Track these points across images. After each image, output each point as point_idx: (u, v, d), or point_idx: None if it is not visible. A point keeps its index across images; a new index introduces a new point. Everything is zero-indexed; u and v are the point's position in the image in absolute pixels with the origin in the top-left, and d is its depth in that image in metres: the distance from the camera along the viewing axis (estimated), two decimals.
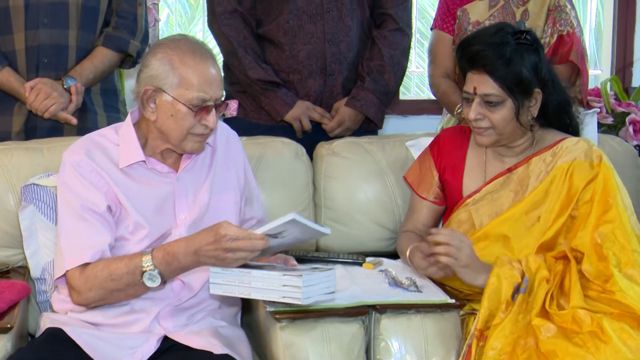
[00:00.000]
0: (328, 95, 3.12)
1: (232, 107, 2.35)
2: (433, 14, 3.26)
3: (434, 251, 2.34)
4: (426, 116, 4.06)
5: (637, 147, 3.74)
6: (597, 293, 2.31)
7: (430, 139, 2.73)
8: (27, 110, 2.90)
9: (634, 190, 2.95)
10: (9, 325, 2.23)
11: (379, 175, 2.85)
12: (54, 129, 2.91)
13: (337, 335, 2.28)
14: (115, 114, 3.05)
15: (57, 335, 2.21)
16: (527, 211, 2.45)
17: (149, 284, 2.18)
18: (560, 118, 2.54)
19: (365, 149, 2.90)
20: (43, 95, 2.84)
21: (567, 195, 2.43)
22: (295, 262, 2.35)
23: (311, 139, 3.05)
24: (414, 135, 2.97)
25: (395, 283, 2.44)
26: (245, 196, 2.49)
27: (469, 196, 2.55)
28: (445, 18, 3.15)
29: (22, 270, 2.60)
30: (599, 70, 4.58)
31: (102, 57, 2.97)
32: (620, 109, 3.90)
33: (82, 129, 2.81)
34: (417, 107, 4.19)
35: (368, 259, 2.68)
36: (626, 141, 3.37)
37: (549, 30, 3.08)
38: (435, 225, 2.65)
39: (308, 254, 2.69)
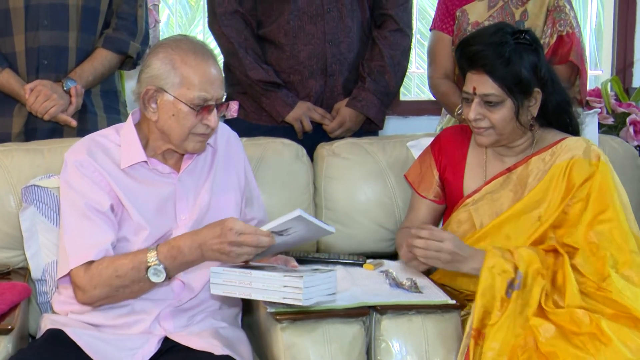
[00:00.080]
0: (329, 96, 3.12)
1: (233, 109, 2.35)
2: (433, 14, 3.26)
3: (412, 244, 2.34)
4: (426, 117, 4.06)
5: (638, 148, 3.74)
6: (593, 290, 2.31)
7: (431, 140, 2.73)
8: (27, 112, 2.90)
9: (635, 190, 2.95)
10: (9, 327, 2.23)
11: (380, 176, 2.85)
12: (54, 130, 2.91)
13: (338, 336, 2.28)
14: (115, 115, 3.05)
15: (57, 337, 2.21)
16: (526, 210, 2.45)
17: (153, 279, 2.18)
18: (560, 118, 2.54)
19: (366, 150, 2.90)
20: (43, 97, 2.84)
21: (565, 192, 2.43)
22: (295, 263, 2.35)
23: (312, 139, 3.05)
24: (414, 136, 2.97)
25: (395, 284, 2.44)
26: (245, 197, 2.49)
27: (469, 196, 2.55)
28: (445, 19, 3.15)
29: (23, 271, 2.60)
30: (599, 71, 4.58)
31: (102, 58, 2.97)
32: (620, 110, 3.90)
33: (82, 131, 2.81)
34: (418, 108, 4.19)
35: (369, 260, 2.67)
36: (627, 142, 3.37)
37: (549, 31, 3.08)
38: (435, 224, 2.65)
39: (309, 255, 2.69)
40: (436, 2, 3.26)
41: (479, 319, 2.26)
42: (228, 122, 2.58)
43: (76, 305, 2.32)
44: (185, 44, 2.28)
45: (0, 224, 2.60)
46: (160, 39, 3.66)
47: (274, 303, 2.20)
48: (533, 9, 3.08)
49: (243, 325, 2.51)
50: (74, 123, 2.88)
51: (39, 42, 2.90)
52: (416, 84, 4.81)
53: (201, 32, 4.47)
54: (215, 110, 2.27)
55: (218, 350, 2.20)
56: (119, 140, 2.35)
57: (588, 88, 4.21)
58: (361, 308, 2.32)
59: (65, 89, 2.88)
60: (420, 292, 2.40)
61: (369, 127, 3.19)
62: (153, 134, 2.33)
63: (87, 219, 2.25)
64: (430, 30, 3.22)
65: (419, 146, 2.83)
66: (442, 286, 2.46)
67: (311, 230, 2.22)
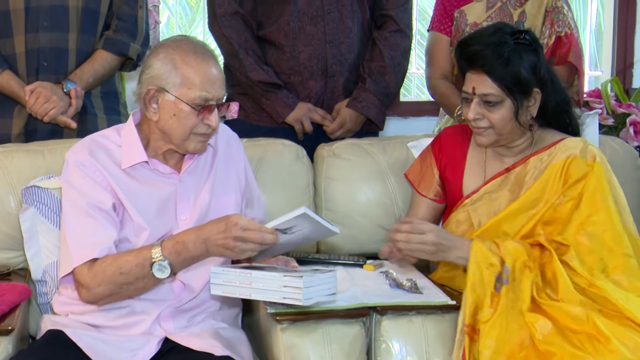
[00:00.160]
0: (329, 97, 3.12)
1: (233, 110, 2.35)
2: None
3: (394, 238, 2.35)
4: (426, 118, 4.06)
5: (638, 149, 3.74)
6: (585, 286, 2.30)
7: (431, 140, 2.74)
8: (27, 113, 2.90)
9: (635, 191, 2.95)
10: (10, 327, 2.23)
11: (380, 176, 2.85)
12: (54, 132, 2.91)
13: (338, 336, 2.28)
14: (116, 116, 3.05)
15: (58, 337, 2.21)
16: (523, 209, 2.44)
17: (158, 275, 2.18)
18: (559, 118, 2.54)
19: (366, 151, 2.90)
20: (43, 99, 2.84)
21: (562, 190, 2.43)
22: (296, 264, 2.36)
23: (312, 140, 3.05)
24: (415, 137, 2.97)
25: (396, 284, 2.44)
26: (246, 197, 2.49)
27: (468, 196, 2.56)
28: (442, 19, 3.15)
29: (23, 272, 2.60)
30: (599, 72, 4.59)
31: (102, 60, 2.98)
32: (620, 110, 3.90)
33: (83, 132, 2.80)
34: (418, 109, 4.20)
35: (369, 261, 2.68)
36: (627, 142, 3.36)
37: (547, 32, 3.09)
38: (435, 223, 2.65)
39: (309, 256, 2.70)
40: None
41: (471, 314, 2.26)
42: (228, 123, 2.58)
43: (76, 306, 2.33)
44: (186, 44, 2.28)
45: (0, 224, 2.60)
46: (160, 40, 3.66)
47: (274, 303, 2.20)
48: (531, 10, 3.09)
49: (243, 326, 2.51)
50: (73, 125, 2.88)
51: (39, 43, 2.90)
52: (416, 85, 4.81)
53: (201, 33, 4.47)
54: (216, 110, 2.27)
55: (218, 351, 2.20)
56: (120, 141, 2.35)
57: (588, 89, 4.24)
58: (361, 309, 2.32)
59: (65, 90, 2.88)
60: (420, 292, 2.40)
61: (369, 128, 3.19)
62: (154, 134, 2.33)
63: (90, 217, 2.25)
64: (428, 31, 3.22)
65: (419, 147, 2.83)
66: (442, 286, 2.46)
67: (316, 230, 2.22)
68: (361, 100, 3.10)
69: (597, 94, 3.97)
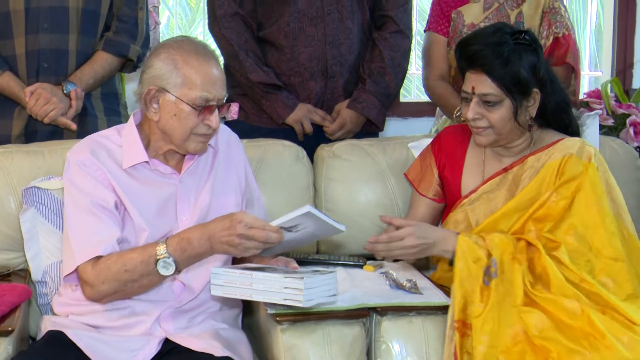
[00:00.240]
0: (329, 98, 3.12)
1: (233, 110, 2.35)
2: None
3: (374, 249, 2.36)
4: (426, 118, 4.06)
5: (638, 149, 3.74)
6: (577, 282, 2.30)
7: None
8: (27, 115, 2.90)
9: (634, 192, 2.96)
10: (10, 328, 2.23)
11: (380, 177, 2.85)
12: (54, 133, 2.91)
13: (338, 337, 2.28)
14: (116, 117, 3.05)
15: (58, 338, 2.21)
16: (519, 208, 2.44)
17: (163, 272, 2.18)
18: (559, 118, 2.54)
19: (366, 151, 2.90)
20: (43, 100, 2.84)
21: (555, 186, 2.44)
22: (296, 265, 2.35)
23: (312, 141, 3.05)
24: (415, 137, 2.97)
25: (396, 285, 2.44)
26: (246, 198, 2.49)
27: (466, 196, 2.56)
28: (439, 20, 3.16)
29: (23, 273, 2.60)
30: (599, 72, 4.59)
31: (102, 61, 2.98)
32: (620, 111, 3.90)
33: (83, 133, 2.80)
34: (418, 110, 4.20)
35: (369, 262, 2.68)
36: (627, 143, 3.36)
37: (545, 32, 3.09)
38: (434, 222, 2.66)
39: (309, 256, 2.70)
40: None
41: (460, 309, 2.26)
42: (228, 123, 2.59)
43: (76, 307, 2.33)
44: (187, 44, 2.29)
45: (0, 225, 2.61)
46: (160, 40, 3.66)
47: (275, 304, 2.20)
48: (528, 11, 3.10)
49: (243, 326, 2.51)
50: (73, 126, 2.88)
51: (39, 45, 2.90)
52: (416, 86, 4.81)
53: (201, 33, 4.47)
54: (216, 110, 2.27)
55: (218, 351, 2.20)
56: (120, 141, 2.35)
57: (588, 89, 4.25)
58: (361, 309, 2.32)
59: (65, 92, 2.88)
60: (420, 293, 2.40)
61: (369, 129, 3.19)
62: (154, 134, 2.33)
63: (93, 215, 2.25)
64: (425, 31, 3.23)
65: (419, 147, 2.83)
66: (442, 287, 2.46)
67: (321, 228, 2.23)
68: (361, 101, 3.10)
69: (597, 94, 3.96)
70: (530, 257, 2.34)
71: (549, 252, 2.33)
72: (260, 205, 2.57)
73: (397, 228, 2.35)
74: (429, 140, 2.75)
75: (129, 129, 2.36)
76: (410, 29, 3.21)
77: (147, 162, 2.33)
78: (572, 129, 2.57)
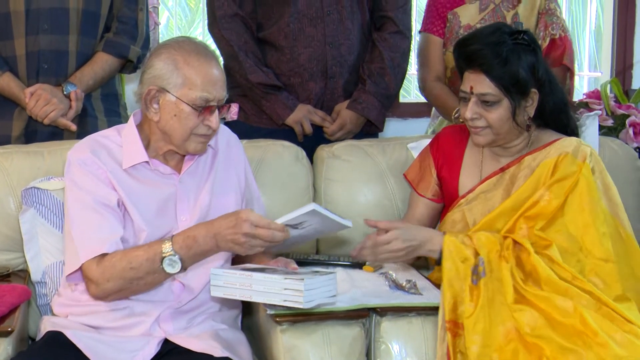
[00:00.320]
0: (329, 98, 3.12)
1: (233, 111, 2.36)
2: None
3: (362, 254, 2.39)
4: (426, 119, 4.04)
5: (638, 150, 3.74)
6: (569, 279, 2.29)
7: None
8: (27, 116, 2.90)
9: (634, 192, 2.96)
10: (9, 329, 2.23)
11: (380, 177, 2.86)
12: (54, 134, 2.91)
13: (338, 338, 2.28)
14: (116, 118, 3.05)
15: (57, 339, 2.21)
16: (515, 207, 2.44)
17: (168, 270, 2.18)
18: (557, 119, 2.54)
19: (366, 152, 2.90)
20: (43, 102, 2.84)
21: (548, 184, 2.44)
22: (295, 266, 2.35)
23: (312, 142, 3.05)
24: (414, 138, 2.97)
25: (395, 286, 2.44)
26: (246, 198, 2.49)
27: (463, 196, 2.56)
28: (435, 21, 3.17)
29: (23, 273, 2.60)
30: (598, 73, 4.59)
31: (102, 62, 2.98)
32: (620, 112, 3.90)
33: (83, 134, 2.79)
34: (417, 110, 4.19)
35: (368, 262, 2.67)
36: (626, 143, 3.37)
37: (541, 34, 3.11)
38: (433, 222, 2.66)
39: (308, 257, 2.70)
40: None
41: (450, 309, 2.26)
42: (228, 124, 2.59)
43: (76, 307, 2.33)
44: (187, 44, 2.29)
45: (0, 226, 2.60)
46: (160, 41, 3.67)
47: (274, 305, 2.20)
48: (524, 12, 3.11)
49: (243, 327, 2.51)
50: (73, 127, 2.88)
51: (39, 45, 2.90)
52: (415, 86, 4.79)
53: (201, 34, 4.47)
54: (217, 111, 2.28)
55: (218, 352, 2.20)
56: (121, 141, 2.35)
57: (587, 90, 4.25)
58: (361, 310, 2.32)
59: (65, 93, 2.88)
60: (420, 293, 2.40)
61: (368, 130, 3.19)
62: (154, 134, 2.33)
63: (96, 213, 2.25)
64: (420, 32, 3.23)
65: (419, 147, 2.83)
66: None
67: (326, 224, 2.23)
68: (361, 102, 3.10)
69: (596, 95, 3.96)
70: (517, 254, 2.34)
71: (540, 250, 2.34)
72: (260, 205, 2.57)
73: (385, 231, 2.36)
74: (428, 141, 2.75)
75: (129, 129, 2.37)
76: (409, 29, 3.21)
77: (147, 162, 2.33)
78: (570, 129, 2.57)
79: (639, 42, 4.39)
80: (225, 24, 3.06)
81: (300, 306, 2.12)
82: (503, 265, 2.31)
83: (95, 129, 2.94)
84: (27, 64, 2.91)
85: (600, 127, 3.64)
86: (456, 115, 2.57)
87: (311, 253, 2.78)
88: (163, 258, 2.17)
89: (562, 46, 3.10)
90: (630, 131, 3.81)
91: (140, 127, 2.37)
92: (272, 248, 2.22)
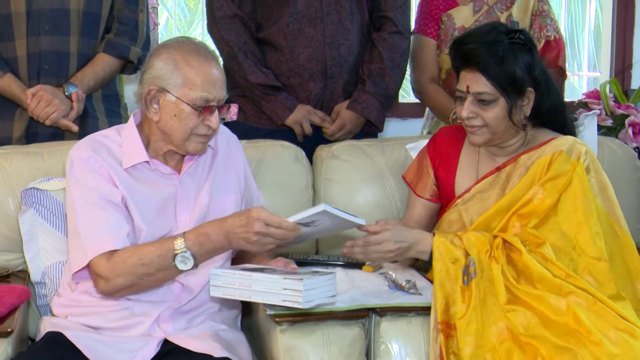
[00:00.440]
0: (329, 98, 3.12)
1: (233, 111, 2.36)
2: None
3: (353, 253, 2.39)
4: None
5: (637, 149, 3.74)
6: (562, 277, 2.29)
7: None
8: (28, 117, 2.91)
9: (634, 192, 2.96)
10: (9, 329, 2.24)
11: (379, 178, 2.86)
12: (55, 135, 2.92)
13: (338, 338, 2.28)
14: (117, 119, 3.05)
15: (57, 339, 2.21)
16: (510, 207, 2.44)
17: (181, 267, 2.18)
18: (553, 118, 2.54)
19: (365, 152, 2.90)
20: (44, 103, 2.84)
21: (541, 181, 2.44)
22: (295, 266, 2.36)
23: (312, 142, 3.05)
24: (413, 138, 2.98)
25: (395, 286, 2.44)
26: (245, 199, 2.49)
27: (460, 196, 2.56)
28: (429, 23, 3.18)
29: (22, 274, 2.60)
30: (598, 73, 4.59)
31: (103, 63, 2.98)
32: (619, 111, 3.90)
33: (84, 135, 2.77)
34: (416, 110, 4.18)
35: (368, 262, 2.67)
36: (625, 143, 3.37)
37: (536, 35, 3.12)
38: (429, 222, 2.66)
39: (308, 257, 2.70)
40: None
41: (442, 310, 2.27)
42: (228, 124, 2.59)
43: (75, 308, 2.33)
44: (188, 45, 2.29)
45: None
46: (159, 41, 3.67)
47: (274, 305, 2.20)
48: (518, 14, 3.12)
49: (242, 327, 2.51)
50: (75, 128, 2.89)
51: (40, 47, 2.90)
52: None
53: (200, 34, 4.46)
54: (217, 111, 2.28)
55: (217, 352, 2.20)
56: (121, 141, 2.36)
57: (587, 90, 4.25)
58: (360, 310, 2.32)
59: (66, 94, 2.89)
60: (419, 293, 2.40)
61: (368, 130, 3.19)
62: (154, 135, 2.33)
63: (102, 209, 2.25)
64: (412, 33, 3.23)
65: (417, 148, 2.83)
66: None
67: (339, 223, 2.25)
68: (361, 102, 3.10)
69: (595, 95, 3.96)
70: (507, 253, 2.35)
71: (534, 248, 2.34)
72: (259, 205, 2.56)
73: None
74: (427, 141, 2.75)
75: (129, 129, 2.37)
76: (408, 29, 3.21)
77: (147, 162, 2.33)
78: (567, 129, 2.57)
79: (638, 42, 4.38)
80: (224, 25, 3.06)
81: (300, 306, 2.12)
82: (493, 265, 2.31)
83: (96, 130, 2.91)
84: (28, 65, 2.91)
85: (600, 127, 3.65)
86: (454, 117, 2.57)
87: (311, 253, 2.79)
88: (175, 255, 2.18)
89: (556, 48, 3.12)
90: (630, 131, 3.81)
91: (140, 127, 2.37)
92: (284, 244, 2.23)
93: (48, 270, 2.50)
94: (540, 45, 3.09)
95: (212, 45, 3.21)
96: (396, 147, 2.93)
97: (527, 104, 2.47)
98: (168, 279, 2.26)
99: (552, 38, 3.12)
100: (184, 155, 2.37)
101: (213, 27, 3.11)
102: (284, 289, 2.13)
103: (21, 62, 2.91)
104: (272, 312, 2.25)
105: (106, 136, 2.38)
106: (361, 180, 2.86)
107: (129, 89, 3.25)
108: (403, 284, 2.43)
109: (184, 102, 2.25)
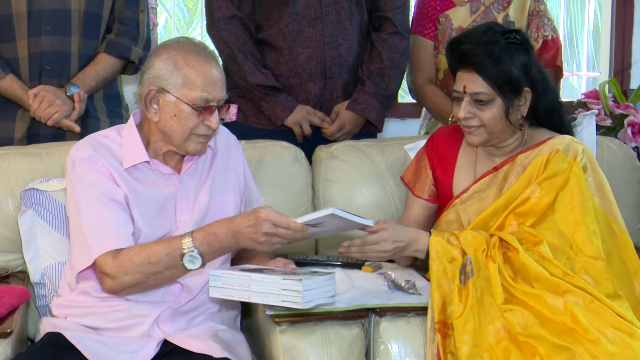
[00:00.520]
0: (328, 99, 3.13)
1: (232, 112, 2.36)
2: None
3: (350, 252, 2.40)
4: None
5: (636, 149, 3.74)
6: (560, 276, 2.29)
7: None
8: (29, 117, 2.91)
9: (633, 192, 2.96)
10: (8, 330, 2.23)
11: (378, 178, 2.86)
12: (57, 135, 2.92)
13: (337, 338, 2.28)
14: (118, 119, 3.05)
15: (56, 340, 2.21)
16: (508, 206, 2.44)
17: (189, 266, 2.19)
18: (550, 118, 2.55)
19: (364, 152, 2.90)
20: (46, 103, 2.84)
21: (538, 180, 2.44)
22: (294, 266, 2.36)
23: (311, 142, 3.05)
24: (413, 138, 2.98)
25: (394, 286, 2.44)
26: (245, 199, 2.50)
27: (457, 196, 2.56)
28: (426, 24, 3.18)
29: (22, 275, 2.60)
30: (597, 73, 4.59)
31: (104, 64, 2.98)
32: (618, 111, 3.90)
33: (85, 136, 2.80)
34: (416, 110, 4.18)
35: (367, 262, 2.67)
36: (625, 143, 3.37)
37: (533, 35, 3.13)
38: (428, 222, 2.66)
39: (307, 258, 2.70)
40: None
41: (440, 310, 2.27)
42: (227, 125, 2.59)
43: (75, 308, 2.33)
44: (187, 45, 2.29)
45: None
46: (159, 42, 3.67)
47: (273, 306, 2.20)
48: (515, 14, 3.13)
49: (242, 327, 2.51)
50: (77, 129, 2.89)
51: (42, 47, 2.90)
52: None
53: (199, 35, 4.46)
54: (216, 111, 2.28)
55: (217, 352, 2.21)
56: (121, 141, 2.36)
57: (586, 89, 4.26)
58: (360, 310, 2.32)
59: (68, 94, 2.89)
60: (419, 294, 2.40)
61: (367, 130, 3.19)
62: (154, 135, 2.34)
63: (106, 207, 2.25)
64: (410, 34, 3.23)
65: (416, 148, 2.84)
66: None
67: (347, 224, 2.26)
68: (361, 102, 3.10)
69: (594, 95, 3.96)
70: (504, 252, 2.35)
71: (531, 246, 2.34)
72: (259, 205, 2.56)
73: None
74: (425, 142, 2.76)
75: (129, 129, 2.37)
76: (408, 30, 3.21)
77: (147, 162, 2.33)
78: (564, 129, 2.57)
79: (637, 42, 4.39)
80: (223, 26, 3.06)
81: (299, 307, 2.12)
82: (490, 264, 2.31)
83: (97, 130, 2.94)
84: (29, 66, 2.91)
85: (599, 127, 3.65)
86: (453, 120, 2.57)
87: (310, 253, 2.79)
88: (183, 254, 2.18)
89: (554, 47, 3.13)
90: (629, 131, 3.81)
91: (140, 127, 2.37)
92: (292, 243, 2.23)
93: (47, 271, 2.50)
94: (538, 45, 3.10)
95: (211, 46, 3.21)
96: (395, 147, 2.93)
97: (524, 103, 2.47)
98: (174, 278, 2.26)
99: (550, 38, 3.13)
100: (183, 156, 2.37)
101: (212, 27, 3.11)
102: (283, 290, 2.13)
103: (22, 63, 2.91)
104: (271, 313, 2.25)
105: (106, 136, 2.38)
106: (360, 181, 2.86)
107: (128, 90, 3.25)
108: (402, 284, 2.43)
109: (183, 102, 2.25)
